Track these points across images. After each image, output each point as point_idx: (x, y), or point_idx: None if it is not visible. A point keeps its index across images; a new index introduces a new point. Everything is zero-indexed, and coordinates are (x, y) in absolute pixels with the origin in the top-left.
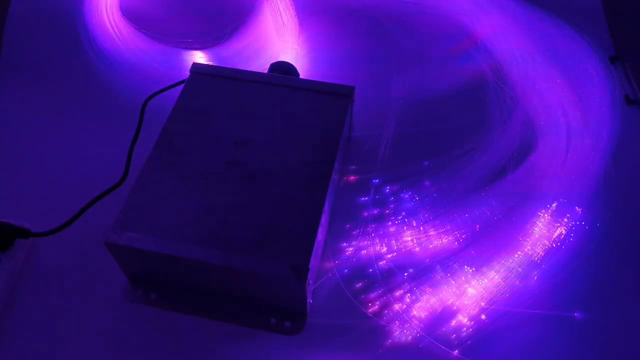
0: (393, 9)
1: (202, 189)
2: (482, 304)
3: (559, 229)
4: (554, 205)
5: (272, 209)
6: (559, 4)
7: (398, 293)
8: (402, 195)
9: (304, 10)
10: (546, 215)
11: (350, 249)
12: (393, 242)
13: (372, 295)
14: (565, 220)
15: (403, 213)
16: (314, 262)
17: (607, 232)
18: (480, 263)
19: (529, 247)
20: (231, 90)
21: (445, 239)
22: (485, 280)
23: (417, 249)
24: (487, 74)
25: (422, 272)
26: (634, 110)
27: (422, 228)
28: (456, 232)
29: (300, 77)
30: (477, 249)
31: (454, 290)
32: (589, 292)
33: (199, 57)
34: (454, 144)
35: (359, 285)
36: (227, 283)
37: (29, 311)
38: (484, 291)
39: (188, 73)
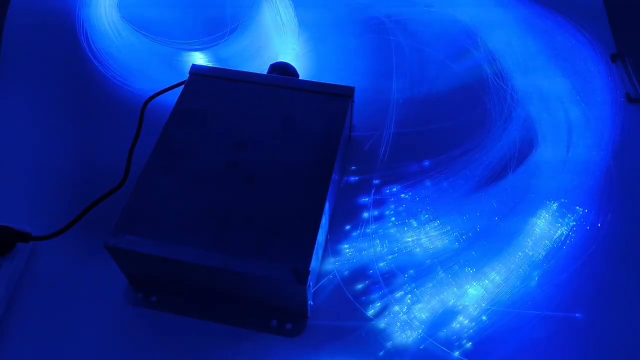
0: (393, 9)
1: (203, 192)
2: (483, 304)
3: (560, 229)
4: (555, 205)
5: (272, 211)
6: (561, 2)
7: (399, 294)
8: (402, 195)
9: (303, 10)
10: (547, 215)
11: (351, 250)
12: (393, 243)
13: (373, 296)
14: (567, 220)
15: (403, 213)
16: (314, 264)
17: (609, 232)
18: (481, 264)
19: (530, 248)
20: (230, 91)
21: (446, 239)
22: (486, 281)
23: (418, 249)
24: (488, 73)
25: (423, 273)
26: (635, 108)
27: (422, 228)
28: (457, 233)
29: (300, 77)
30: (477, 249)
31: (454, 291)
32: (590, 292)
33: (198, 58)
34: (455, 144)
35: (359, 286)
36: (227, 285)
37: (30, 315)
38: (485, 292)
39: (187, 74)
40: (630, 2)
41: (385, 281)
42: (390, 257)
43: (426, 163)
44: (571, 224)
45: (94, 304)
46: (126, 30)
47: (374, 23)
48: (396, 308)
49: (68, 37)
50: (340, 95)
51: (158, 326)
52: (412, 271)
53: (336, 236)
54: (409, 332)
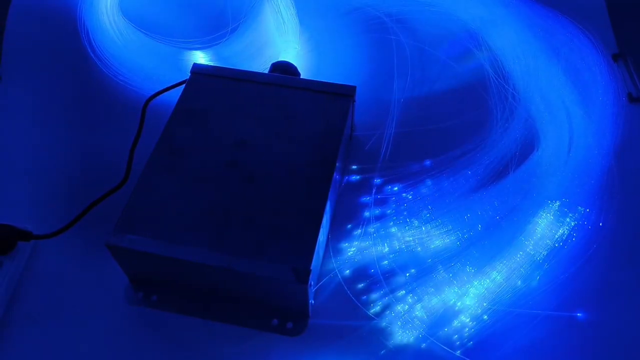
0: (394, 7)
1: (204, 191)
2: (484, 304)
3: (561, 228)
4: (557, 204)
5: (273, 211)
6: (562, 1)
7: (400, 293)
8: (403, 194)
9: (304, 9)
10: (548, 214)
11: (352, 249)
12: (395, 242)
13: (374, 295)
14: (568, 219)
15: (405, 213)
16: (315, 263)
17: (610, 232)
18: (482, 263)
19: (531, 247)
20: (232, 90)
21: (447, 238)
22: (487, 280)
23: (419, 249)
24: (489, 72)
25: (424, 272)
26: (637, 108)
27: (423, 228)
28: (458, 232)
29: (302, 76)
30: (479, 248)
31: (456, 290)
32: (592, 292)
33: (200, 57)
34: (456, 143)
35: (360, 285)
36: (228, 285)
37: (31, 313)
38: (486, 291)
39: (189, 73)
40: (632, 2)
41: (387, 280)
42: (391, 256)
43: (427, 162)
44: (572, 223)
45: (95, 302)
46: (128, 29)
47: (376, 22)
48: (397, 307)
49: (69, 36)
50: (342, 95)
51: (159, 325)
52: (413, 270)
53: (337, 235)
54: (410, 331)
